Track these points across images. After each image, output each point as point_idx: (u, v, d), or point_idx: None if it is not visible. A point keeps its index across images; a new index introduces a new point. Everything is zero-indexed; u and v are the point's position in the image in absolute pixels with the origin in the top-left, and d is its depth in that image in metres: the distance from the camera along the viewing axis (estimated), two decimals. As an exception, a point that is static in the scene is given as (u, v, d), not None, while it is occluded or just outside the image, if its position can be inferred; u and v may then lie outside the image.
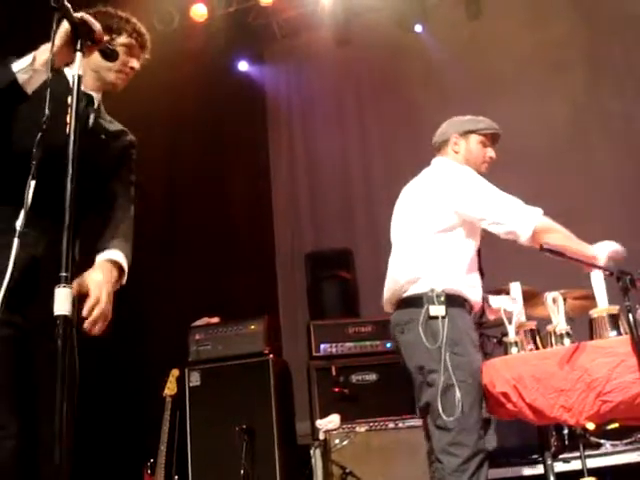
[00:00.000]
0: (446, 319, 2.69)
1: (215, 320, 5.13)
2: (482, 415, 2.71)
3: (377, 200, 6.50)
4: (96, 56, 1.99)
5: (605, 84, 6.33)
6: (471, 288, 2.86)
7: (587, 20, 6.45)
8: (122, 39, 2.28)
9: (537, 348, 2.77)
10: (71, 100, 1.72)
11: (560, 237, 2.73)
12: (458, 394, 2.60)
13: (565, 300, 4.43)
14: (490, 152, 3.08)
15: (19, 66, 1.96)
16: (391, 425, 4.22)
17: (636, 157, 6.07)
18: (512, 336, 2.82)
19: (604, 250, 2.72)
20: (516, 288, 2.90)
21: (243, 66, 7.18)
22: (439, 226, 2.85)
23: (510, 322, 2.85)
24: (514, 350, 2.81)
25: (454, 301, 2.76)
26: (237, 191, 6.66)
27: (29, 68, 1.95)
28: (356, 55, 6.96)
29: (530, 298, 3.24)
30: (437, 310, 2.69)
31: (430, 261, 2.81)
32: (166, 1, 6.12)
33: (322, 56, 7.04)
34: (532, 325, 2.77)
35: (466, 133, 3.06)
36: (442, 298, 2.71)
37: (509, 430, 4.33)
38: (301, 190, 7.19)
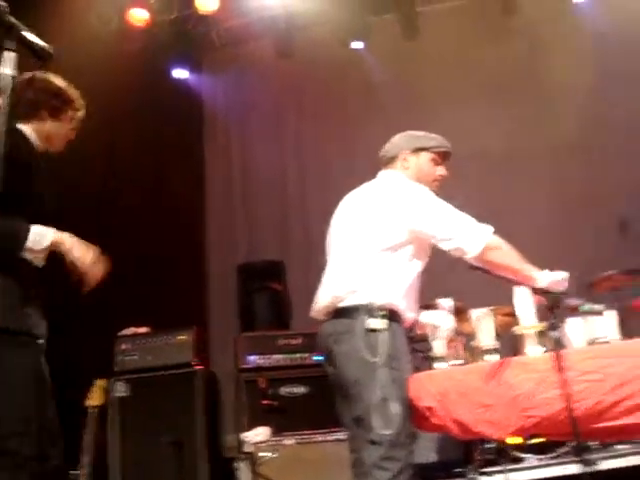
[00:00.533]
0: (386, 333, 2.68)
1: (143, 330, 5.04)
2: (411, 430, 2.72)
3: (312, 213, 6.53)
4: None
5: (542, 103, 6.52)
6: (409, 305, 2.86)
7: (523, 38, 6.63)
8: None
9: (464, 363, 2.80)
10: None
11: (507, 256, 2.75)
12: (394, 409, 2.60)
13: (495, 316, 4.55)
14: (440, 170, 3.06)
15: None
16: (319, 438, 4.21)
17: (574, 171, 6.28)
18: (438, 351, 2.85)
19: (548, 277, 2.75)
20: (446, 304, 2.93)
21: (181, 73, 7.10)
22: (387, 243, 2.82)
23: (436, 337, 2.88)
24: (440, 365, 2.85)
25: (393, 316, 2.75)
26: (171, 200, 6.58)
27: None
28: (297, 68, 6.98)
29: (460, 314, 3.27)
30: (377, 323, 2.68)
31: (372, 275, 2.79)
32: (105, 2, 6.05)
33: (263, 67, 7.05)
34: (460, 340, 2.81)
35: (417, 150, 3.03)
36: (382, 312, 2.70)
37: (434, 444, 4.38)
38: (236, 201, 7.15)
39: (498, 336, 3.28)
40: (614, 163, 6.47)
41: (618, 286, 5.32)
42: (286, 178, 7.07)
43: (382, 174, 3.08)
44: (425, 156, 3.03)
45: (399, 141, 3.10)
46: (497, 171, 6.45)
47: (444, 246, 2.80)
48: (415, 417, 2.75)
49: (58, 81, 2.72)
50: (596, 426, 2.62)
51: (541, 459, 4.52)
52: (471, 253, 2.71)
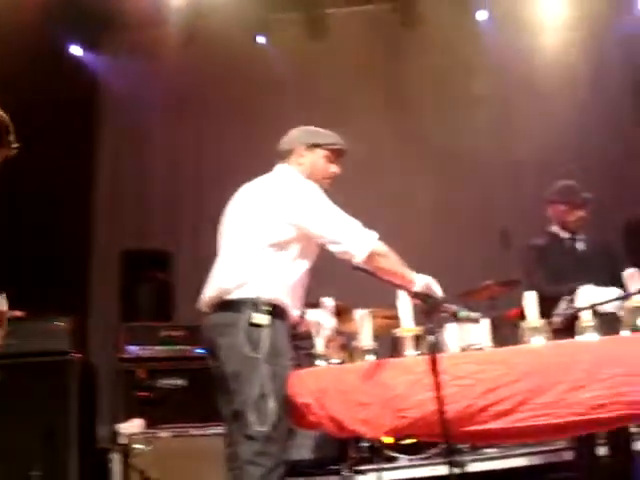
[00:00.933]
0: (269, 329, 2.68)
1: (18, 314, 4.83)
2: (287, 426, 2.73)
3: (206, 203, 6.44)
4: None
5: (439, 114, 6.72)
6: (294, 302, 2.88)
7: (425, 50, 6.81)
8: None
9: (342, 362, 2.84)
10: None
11: (390, 261, 2.81)
12: (272, 405, 2.60)
13: (375, 318, 4.65)
14: (334, 168, 3.07)
15: None
16: (196, 432, 4.17)
17: (461, 182, 6.49)
18: (319, 349, 2.88)
19: (424, 280, 2.85)
20: (329, 303, 2.96)
21: (76, 50, 6.86)
22: (274, 238, 2.82)
23: (319, 335, 2.91)
24: (320, 363, 2.88)
25: (278, 312, 2.76)
26: (59, 181, 6.33)
27: None
28: (199, 55, 6.89)
29: (343, 314, 3.32)
30: (261, 318, 2.68)
31: (259, 270, 2.78)
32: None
33: (164, 52, 6.92)
34: (341, 340, 2.85)
35: (312, 146, 3.04)
36: (267, 307, 2.71)
37: (310, 441, 4.43)
38: (127, 186, 6.98)
39: (377, 338, 3.35)
40: (500, 176, 6.75)
41: (495, 296, 5.56)
42: (182, 166, 6.98)
43: (277, 168, 3.08)
44: (320, 153, 3.04)
45: (296, 135, 3.10)
46: (388, 177, 6.59)
47: (331, 248, 2.83)
48: (293, 414, 2.76)
49: None
50: (466, 429, 2.71)
51: (412, 459, 4.65)
52: (357, 257, 2.75)
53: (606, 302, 3.50)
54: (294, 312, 2.88)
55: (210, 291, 2.87)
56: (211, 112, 7.05)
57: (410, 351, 2.77)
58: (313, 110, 6.31)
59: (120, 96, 7.17)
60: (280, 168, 3.07)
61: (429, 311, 2.59)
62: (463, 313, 2.79)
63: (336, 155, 3.08)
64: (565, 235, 4.07)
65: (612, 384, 2.73)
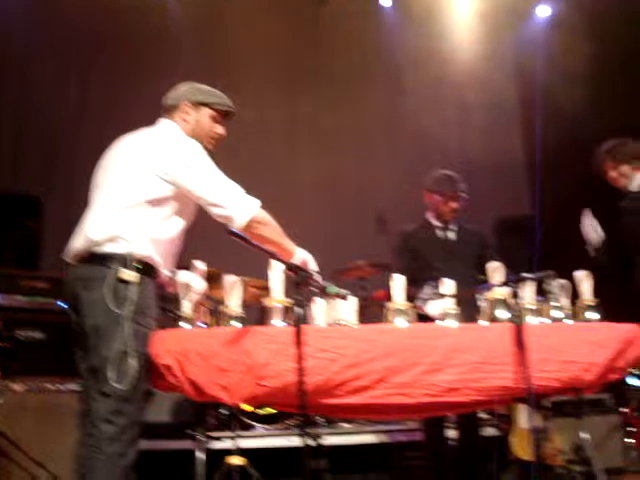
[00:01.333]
0: (136, 286, 2.63)
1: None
2: (146, 386, 2.69)
3: (83, 151, 6.19)
4: None
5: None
6: (165, 262, 2.82)
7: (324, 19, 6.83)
8: None
9: (208, 327, 2.83)
10: None
11: (272, 231, 2.82)
12: (132, 363, 2.56)
13: (246, 287, 4.66)
14: (219, 129, 3.02)
15: None
16: (51, 387, 4.04)
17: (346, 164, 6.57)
18: (186, 311, 2.86)
19: (303, 254, 2.91)
20: (201, 266, 2.93)
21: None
22: (149, 194, 2.74)
23: (187, 298, 2.88)
24: (185, 325, 2.85)
25: (147, 270, 2.70)
26: None
27: None
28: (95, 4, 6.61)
29: (214, 279, 3.30)
30: (129, 275, 2.62)
31: (132, 225, 2.70)
32: None
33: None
34: (209, 304, 2.82)
35: (199, 104, 2.97)
36: (137, 264, 2.65)
37: (169, 404, 4.40)
38: (3, 125, 6.61)
39: (247, 307, 3.34)
40: (384, 160, 6.89)
41: (366, 276, 5.70)
42: (63, 111, 6.66)
43: (161, 123, 3.00)
44: (206, 111, 2.99)
45: (182, 91, 3.03)
46: (275, 149, 6.58)
47: (211, 210, 2.80)
48: (153, 375, 2.73)
49: None
50: (323, 402, 2.77)
51: (269, 429, 4.71)
52: (237, 223, 2.74)
53: (469, 292, 3.67)
54: (164, 271, 2.83)
55: (78, 242, 2.76)
56: (101, 60, 6.78)
57: (277, 321, 2.79)
58: (208, 70, 6.21)
59: (5, 29, 6.76)
60: (163, 123, 2.99)
61: (299, 284, 2.61)
62: (332, 289, 2.83)
63: (223, 116, 3.03)
64: (437, 224, 4.19)
65: (466, 370, 2.86)
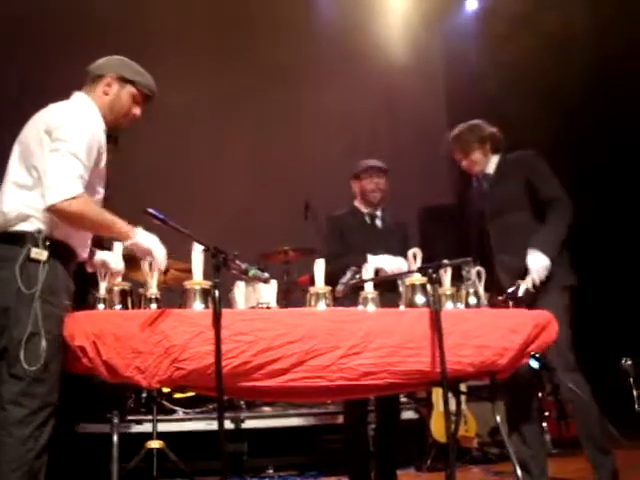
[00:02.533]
0: (47, 265, 2.56)
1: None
2: (59, 368, 2.63)
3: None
4: None
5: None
6: (81, 241, 2.75)
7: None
8: None
9: (126, 309, 2.79)
10: None
11: (99, 210, 2.67)
12: (43, 344, 2.49)
13: (168, 270, 4.62)
14: (136, 110, 2.94)
15: None
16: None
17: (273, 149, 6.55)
18: (102, 292, 2.81)
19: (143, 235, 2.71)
20: (119, 247, 2.88)
21: None
22: None
23: (104, 278, 2.84)
24: (101, 307, 2.81)
25: (60, 248, 2.63)
26: None
27: None
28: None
29: (134, 260, 3.25)
30: (38, 253, 2.55)
31: (43, 203, 2.63)
32: None
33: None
34: (126, 285, 2.78)
35: (125, 80, 2.89)
36: (48, 242, 2.57)
37: (89, 387, 4.33)
38: None
39: (170, 290, 3.32)
40: (308, 148, 6.91)
41: (290, 260, 5.72)
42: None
43: (74, 96, 2.89)
44: (129, 89, 2.91)
45: (111, 63, 2.94)
46: (204, 130, 6.52)
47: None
48: (68, 357, 2.67)
49: None
50: (241, 385, 2.77)
51: (189, 412, 4.69)
52: (46, 201, 2.56)
53: (389, 277, 3.73)
54: (80, 250, 2.77)
55: None
56: (33, 38, 6.57)
57: (197, 304, 2.77)
58: (132, 49, 6.09)
59: None
60: (75, 96, 2.89)
61: (218, 266, 2.60)
62: (253, 271, 2.83)
63: (143, 98, 2.97)
64: (365, 210, 4.23)
65: (383, 354, 2.91)
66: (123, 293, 2.74)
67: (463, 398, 4.62)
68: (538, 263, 3.58)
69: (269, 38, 6.99)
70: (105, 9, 6.49)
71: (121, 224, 2.68)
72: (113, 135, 2.89)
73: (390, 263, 3.86)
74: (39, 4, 6.50)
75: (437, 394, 5.03)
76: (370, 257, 3.79)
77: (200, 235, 2.73)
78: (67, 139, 2.63)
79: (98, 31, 6.39)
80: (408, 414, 5.07)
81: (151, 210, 2.52)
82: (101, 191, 2.85)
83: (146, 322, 2.57)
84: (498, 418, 3.26)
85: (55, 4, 6.48)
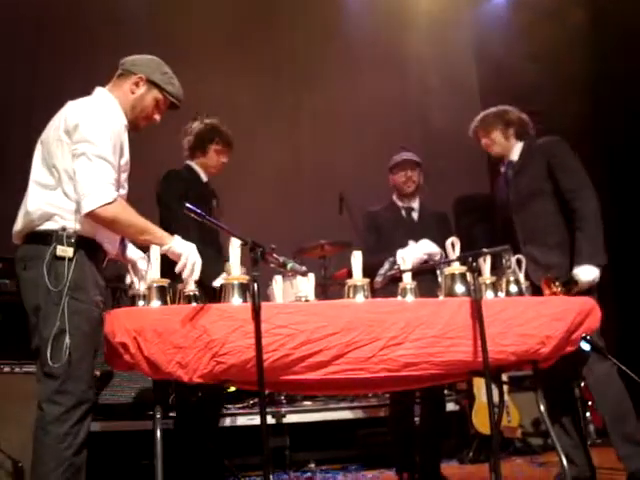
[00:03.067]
0: (73, 262, 2.57)
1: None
2: (93, 365, 2.64)
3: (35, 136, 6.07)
4: None
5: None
6: (108, 236, 2.76)
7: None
8: None
9: (165, 304, 2.79)
10: None
11: (134, 215, 2.67)
12: (68, 340, 2.50)
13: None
14: (157, 115, 2.96)
15: None
16: (6, 369, 3.98)
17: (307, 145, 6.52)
18: (140, 289, 2.83)
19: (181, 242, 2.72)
20: (155, 250, 2.88)
21: None
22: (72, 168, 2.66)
23: (139, 275, 2.86)
24: (140, 303, 2.82)
25: (86, 245, 2.64)
26: None
27: None
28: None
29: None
30: (64, 251, 2.57)
31: (66, 201, 2.65)
32: None
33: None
34: (164, 282, 2.79)
35: (154, 84, 2.90)
36: (72, 239, 2.59)
37: (131, 384, 4.37)
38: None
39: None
40: (341, 142, 6.88)
41: (326, 255, 5.72)
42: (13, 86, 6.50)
43: (95, 91, 2.89)
44: (155, 93, 2.91)
45: (145, 62, 2.95)
46: (238, 131, 6.52)
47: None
48: (109, 354, 2.70)
49: None
50: (282, 378, 2.77)
51: (230, 408, 4.70)
52: (83, 209, 2.59)
53: (426, 267, 3.70)
54: (107, 246, 2.78)
55: (19, 222, 2.72)
56: (49, 36, 6.63)
57: (235, 299, 2.77)
58: (165, 52, 6.13)
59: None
60: (96, 92, 2.90)
61: (256, 260, 2.60)
62: (291, 265, 2.83)
63: (166, 105, 2.97)
64: (401, 204, 4.20)
65: (424, 344, 2.88)
66: (161, 289, 2.74)
67: (505, 388, 4.57)
68: (589, 276, 3.53)
69: (300, 35, 6.98)
70: (128, 8, 6.53)
71: (156, 230, 2.70)
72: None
73: (412, 253, 3.78)
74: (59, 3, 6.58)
75: (478, 386, 4.98)
76: (399, 251, 3.74)
77: (235, 231, 2.73)
78: (91, 140, 2.64)
79: (122, 30, 6.44)
80: (449, 406, 5.02)
81: (190, 206, 2.52)
82: (126, 186, 2.86)
83: (187, 317, 2.57)
84: (542, 407, 3.20)
85: (77, 3, 6.55)
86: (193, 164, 3.99)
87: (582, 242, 3.59)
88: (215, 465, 3.74)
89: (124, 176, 2.83)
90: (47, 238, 2.60)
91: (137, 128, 2.93)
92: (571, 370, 3.64)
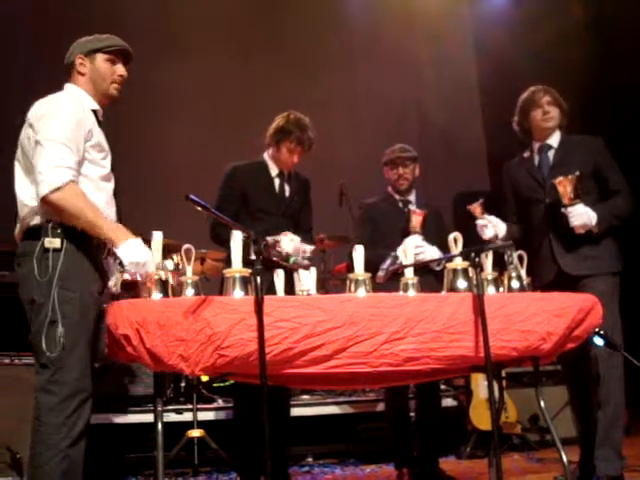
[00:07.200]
0: (61, 252, 2.56)
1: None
2: (87, 354, 2.62)
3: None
4: None
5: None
6: None
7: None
8: None
9: (167, 297, 2.78)
10: None
11: (86, 205, 2.59)
12: (60, 330, 2.49)
13: (204, 260, 4.63)
14: (120, 70, 2.90)
15: None
16: (6, 360, 3.97)
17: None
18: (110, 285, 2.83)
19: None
20: (157, 237, 2.87)
21: None
22: None
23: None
24: (145, 295, 2.81)
25: (74, 235, 2.61)
26: None
27: None
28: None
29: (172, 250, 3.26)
30: (51, 242, 2.56)
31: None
32: None
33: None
34: (172, 274, 2.79)
35: (90, 52, 2.87)
36: (58, 230, 2.57)
37: (129, 376, 4.37)
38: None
39: (208, 280, 3.32)
40: (341, 136, 6.86)
41: (325, 249, 5.71)
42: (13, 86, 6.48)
43: (65, 87, 2.90)
44: (100, 57, 2.88)
45: (75, 46, 2.93)
46: (233, 119, 6.51)
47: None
48: (111, 345, 2.69)
49: None
50: (284, 372, 2.77)
51: (228, 401, 4.69)
52: (41, 192, 2.56)
53: (429, 262, 3.69)
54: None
55: (17, 221, 2.74)
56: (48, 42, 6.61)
57: (237, 292, 2.77)
58: (162, 39, 6.11)
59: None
60: (65, 87, 2.90)
61: (259, 252, 2.59)
62: (293, 258, 2.82)
63: (120, 57, 2.92)
64: (397, 197, 4.17)
65: (426, 339, 2.88)
66: (163, 282, 2.73)
67: (504, 384, 4.57)
68: (588, 215, 3.48)
69: (297, 27, 6.95)
70: (129, 6, 6.50)
71: (106, 227, 2.59)
72: None
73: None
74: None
75: (476, 381, 4.99)
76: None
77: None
78: (45, 127, 2.63)
79: (126, 27, 6.42)
80: (447, 402, 5.01)
81: (193, 197, 2.51)
82: (107, 164, 2.82)
83: (189, 310, 2.57)
84: (542, 403, 3.21)
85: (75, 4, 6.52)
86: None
87: (605, 208, 3.57)
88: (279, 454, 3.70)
89: (102, 155, 2.79)
90: (37, 232, 2.60)
91: (113, 96, 2.89)
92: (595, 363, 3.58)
